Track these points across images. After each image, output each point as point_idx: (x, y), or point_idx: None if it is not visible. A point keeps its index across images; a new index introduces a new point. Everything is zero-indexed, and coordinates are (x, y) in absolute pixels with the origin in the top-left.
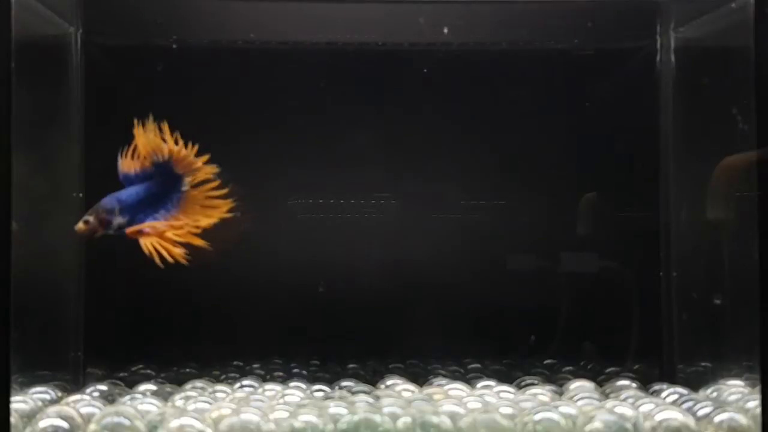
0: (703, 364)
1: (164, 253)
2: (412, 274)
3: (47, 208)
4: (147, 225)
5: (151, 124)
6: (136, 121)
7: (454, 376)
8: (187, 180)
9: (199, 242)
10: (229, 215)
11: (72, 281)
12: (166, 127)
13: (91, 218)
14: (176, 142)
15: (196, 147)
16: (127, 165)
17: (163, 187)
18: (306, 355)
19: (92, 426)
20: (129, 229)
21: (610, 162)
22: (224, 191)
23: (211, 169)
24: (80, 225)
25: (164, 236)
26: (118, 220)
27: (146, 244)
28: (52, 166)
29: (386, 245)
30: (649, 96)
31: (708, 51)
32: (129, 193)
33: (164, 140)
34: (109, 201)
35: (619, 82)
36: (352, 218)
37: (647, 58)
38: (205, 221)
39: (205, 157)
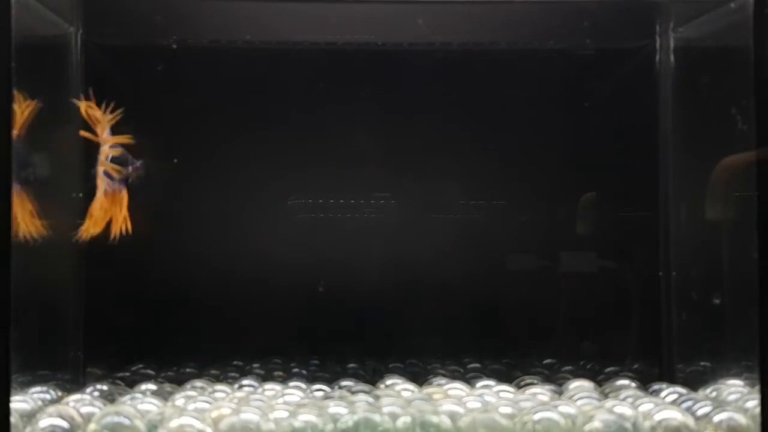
0: (702, 363)
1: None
2: (411, 273)
3: (47, 208)
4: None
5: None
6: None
7: (454, 376)
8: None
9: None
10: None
11: (72, 281)
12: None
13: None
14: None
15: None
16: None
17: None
18: (306, 355)
19: (92, 426)
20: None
21: (610, 162)
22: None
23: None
24: None
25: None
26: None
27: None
28: (51, 166)
29: (386, 245)
30: (648, 96)
31: (708, 51)
32: None
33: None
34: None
35: (618, 82)
36: (351, 218)
37: (647, 58)
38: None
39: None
